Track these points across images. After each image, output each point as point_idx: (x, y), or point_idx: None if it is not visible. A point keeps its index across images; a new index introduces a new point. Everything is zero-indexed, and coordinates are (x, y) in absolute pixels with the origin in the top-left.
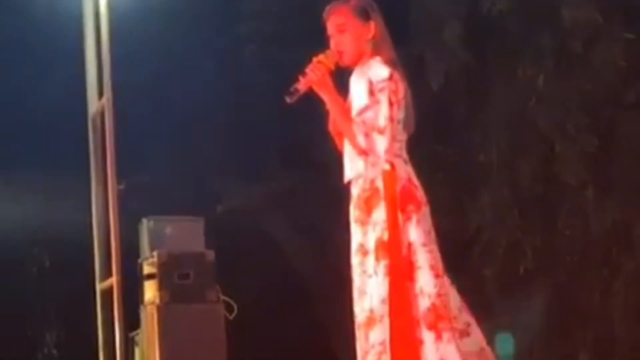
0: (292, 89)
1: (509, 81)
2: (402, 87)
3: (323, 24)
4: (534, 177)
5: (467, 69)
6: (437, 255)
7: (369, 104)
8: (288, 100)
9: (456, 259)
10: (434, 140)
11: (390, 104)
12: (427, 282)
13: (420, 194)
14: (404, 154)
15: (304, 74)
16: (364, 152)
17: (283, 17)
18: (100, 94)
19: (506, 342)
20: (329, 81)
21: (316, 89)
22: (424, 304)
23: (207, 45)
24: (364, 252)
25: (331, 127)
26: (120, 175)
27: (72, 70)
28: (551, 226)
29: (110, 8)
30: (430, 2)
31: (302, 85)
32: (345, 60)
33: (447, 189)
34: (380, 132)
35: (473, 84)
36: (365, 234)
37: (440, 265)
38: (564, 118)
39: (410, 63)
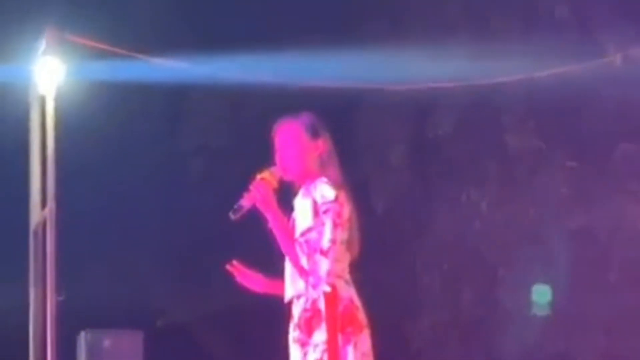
0: (235, 206)
1: (453, 204)
2: (347, 209)
3: (272, 139)
4: (475, 302)
5: (411, 192)
6: None
7: (313, 225)
8: (232, 217)
9: None
10: (377, 262)
11: (335, 225)
12: None
13: (361, 316)
14: (346, 275)
15: (247, 190)
16: (305, 273)
17: (230, 133)
18: (43, 205)
19: None
20: (272, 199)
21: (259, 206)
22: None
23: (152, 161)
24: None
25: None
26: (59, 286)
27: (16, 180)
28: (492, 352)
29: (58, 120)
30: (376, 124)
31: (245, 202)
32: (290, 176)
33: (389, 311)
34: (323, 254)
35: (417, 207)
36: (304, 355)
37: None
38: (508, 243)
39: (354, 184)
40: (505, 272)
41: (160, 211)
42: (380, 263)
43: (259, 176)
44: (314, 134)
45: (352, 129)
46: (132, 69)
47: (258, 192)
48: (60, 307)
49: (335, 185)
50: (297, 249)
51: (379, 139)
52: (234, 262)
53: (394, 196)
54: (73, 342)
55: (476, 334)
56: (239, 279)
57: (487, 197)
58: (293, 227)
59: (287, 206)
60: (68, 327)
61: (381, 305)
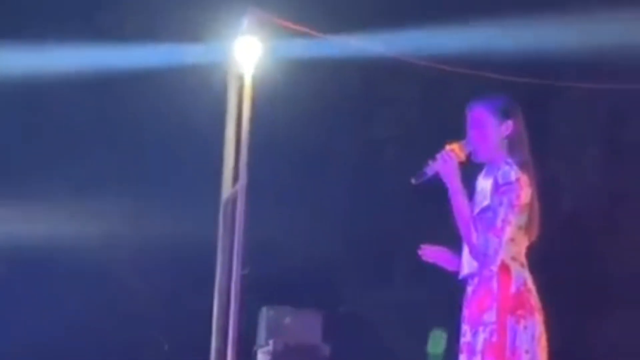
0: (419, 172)
1: None
2: (527, 192)
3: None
4: None
5: (602, 194)
6: None
7: (490, 204)
8: (413, 182)
9: None
10: (564, 260)
11: (512, 207)
12: None
13: (533, 299)
14: (522, 258)
15: (433, 158)
16: (475, 249)
17: (420, 123)
18: (235, 180)
19: None
20: (456, 170)
21: (442, 176)
22: None
23: (343, 148)
24: (472, 352)
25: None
26: (245, 261)
27: (209, 156)
28: None
29: (254, 98)
30: (570, 123)
31: (429, 169)
32: (477, 155)
33: (573, 308)
34: (495, 233)
35: (607, 208)
36: (474, 334)
37: None
38: None
39: (543, 180)
40: None
41: (352, 197)
42: (566, 262)
43: (448, 147)
44: (503, 116)
45: (545, 123)
46: (326, 48)
47: (443, 162)
48: (244, 280)
49: (520, 167)
50: (472, 225)
51: (573, 136)
52: (423, 245)
53: (583, 196)
54: (254, 316)
55: None
56: (431, 259)
57: None
58: (473, 204)
59: (471, 182)
60: (250, 301)
61: (565, 302)
